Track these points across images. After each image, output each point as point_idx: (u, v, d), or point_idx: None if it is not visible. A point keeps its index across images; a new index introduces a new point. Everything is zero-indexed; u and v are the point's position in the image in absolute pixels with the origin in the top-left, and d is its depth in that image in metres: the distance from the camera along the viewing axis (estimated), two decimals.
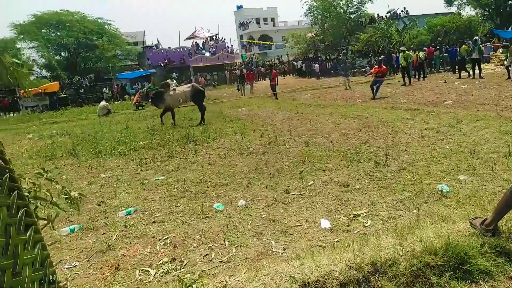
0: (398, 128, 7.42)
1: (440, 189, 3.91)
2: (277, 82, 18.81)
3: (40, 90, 27.85)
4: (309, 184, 4.61)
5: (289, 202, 4.06)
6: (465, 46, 17.23)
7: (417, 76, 18.73)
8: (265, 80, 37.05)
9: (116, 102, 27.84)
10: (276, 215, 3.74)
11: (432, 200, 3.69)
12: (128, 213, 4.14)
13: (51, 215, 2.07)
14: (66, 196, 1.90)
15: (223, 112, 13.75)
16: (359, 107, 11.14)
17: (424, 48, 21.25)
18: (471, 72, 16.33)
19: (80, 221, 4.11)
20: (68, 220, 4.19)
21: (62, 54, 38.26)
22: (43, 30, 35.35)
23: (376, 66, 13.84)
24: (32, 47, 35.67)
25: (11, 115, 26.65)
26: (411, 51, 19.20)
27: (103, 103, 18.81)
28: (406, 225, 3.11)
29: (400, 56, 18.05)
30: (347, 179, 4.65)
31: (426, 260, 2.37)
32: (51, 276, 1.44)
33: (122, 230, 3.71)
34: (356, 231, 3.20)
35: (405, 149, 5.79)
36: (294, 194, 4.31)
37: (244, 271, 2.58)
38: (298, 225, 3.45)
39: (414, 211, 3.46)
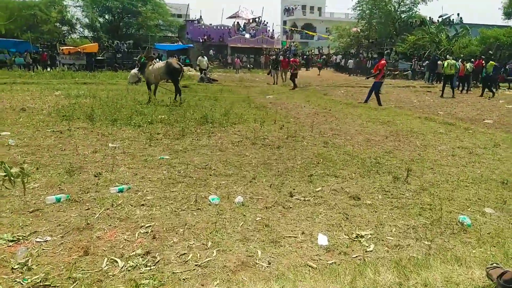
0: (428, 142, 6.86)
1: (460, 221, 3.45)
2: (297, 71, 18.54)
3: (79, 49, 28.39)
4: (316, 189, 4.24)
5: (290, 207, 3.72)
6: (492, 62, 16.14)
7: (460, 88, 17.65)
8: (300, 70, 36.37)
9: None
10: (272, 220, 3.41)
11: (449, 233, 3.25)
12: (120, 191, 3.92)
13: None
14: (5, 174, 1.64)
15: (249, 97, 13.41)
16: (391, 112, 10.52)
17: (472, 60, 19.95)
18: (495, 91, 15.41)
19: (70, 190, 3.93)
20: (59, 188, 4.03)
21: (106, 16, 38.79)
22: None
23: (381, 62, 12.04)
24: (78, 6, 36.35)
25: (48, 69, 27.32)
26: (459, 60, 18.01)
27: (134, 70, 18.80)
28: (412, 259, 2.71)
29: (443, 64, 17.02)
30: (360, 191, 4.25)
31: None
32: None
33: (108, 209, 3.49)
34: (354, 256, 2.83)
35: (431, 167, 5.28)
36: (297, 199, 3.96)
37: (216, 284, 2.28)
38: (292, 236, 3.11)
39: (426, 242, 3.05)
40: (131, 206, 3.58)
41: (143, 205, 3.62)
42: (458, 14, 32.87)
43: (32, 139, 6.20)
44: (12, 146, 5.69)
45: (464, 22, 31.83)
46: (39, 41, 33.64)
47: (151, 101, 10.90)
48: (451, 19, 32.36)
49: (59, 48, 29.44)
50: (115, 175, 4.49)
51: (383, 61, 11.71)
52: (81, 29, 39.33)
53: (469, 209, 3.79)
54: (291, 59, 20.14)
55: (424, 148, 6.37)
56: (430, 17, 33.86)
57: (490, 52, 25.49)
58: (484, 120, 9.68)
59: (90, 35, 38.83)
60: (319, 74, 25.50)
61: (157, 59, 13.10)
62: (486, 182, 4.65)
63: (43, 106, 9.83)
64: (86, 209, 3.50)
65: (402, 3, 34.60)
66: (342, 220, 3.47)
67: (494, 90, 15.94)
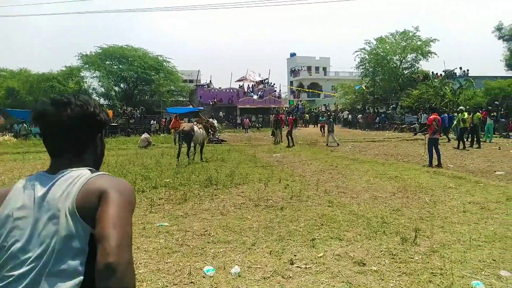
0: (437, 198, 6.62)
1: (474, 287, 3.18)
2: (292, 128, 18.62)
3: None
4: (319, 255, 4.02)
5: (290, 277, 3.50)
6: (478, 113, 16.21)
7: (469, 140, 17.45)
8: (307, 126, 36.82)
9: (162, 135, 28.66)
10: None
11: None
12: None
13: None
14: None
15: (256, 156, 13.44)
16: (399, 167, 10.34)
17: (479, 111, 19.97)
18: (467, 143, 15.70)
19: None
20: None
21: (121, 85, 40.74)
22: (106, 62, 38.05)
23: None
24: (95, 77, 38.36)
25: None
26: (466, 112, 18.04)
27: (145, 135, 19.33)
28: None
29: (458, 116, 17.02)
30: (365, 255, 4.01)
31: None
32: None
33: None
34: None
35: (441, 225, 5.03)
36: (298, 267, 3.74)
37: None
38: None
39: None
40: None
41: None
42: (460, 68, 33.60)
43: None
44: None
45: (469, 75, 32.44)
46: None
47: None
48: (455, 73, 33.03)
49: None
50: None
51: (432, 116, 10.47)
52: (97, 98, 41.18)
53: (483, 273, 3.52)
54: (290, 117, 20.61)
55: (434, 205, 6.13)
56: (432, 72, 34.67)
57: (496, 102, 25.58)
58: (495, 171, 9.40)
59: (105, 103, 40.56)
60: (323, 135, 24.15)
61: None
62: (500, 240, 4.38)
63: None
64: None
65: (404, 60, 35.70)
66: None
67: (473, 142, 16.03)
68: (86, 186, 1.14)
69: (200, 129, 12.56)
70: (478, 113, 17.04)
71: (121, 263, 0.98)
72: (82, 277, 1.05)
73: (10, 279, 1.05)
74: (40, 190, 1.15)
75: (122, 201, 1.12)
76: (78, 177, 1.17)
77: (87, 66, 36.98)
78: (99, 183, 1.15)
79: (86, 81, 38.50)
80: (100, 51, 37.66)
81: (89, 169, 1.22)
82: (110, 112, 32.18)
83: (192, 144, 12.43)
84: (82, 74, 37.91)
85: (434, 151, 10.41)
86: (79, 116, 1.21)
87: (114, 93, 39.58)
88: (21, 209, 1.14)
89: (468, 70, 33.23)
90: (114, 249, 0.99)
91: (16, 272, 1.06)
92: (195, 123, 13.59)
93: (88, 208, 1.10)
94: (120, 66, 38.24)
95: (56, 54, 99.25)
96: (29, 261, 1.06)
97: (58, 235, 1.08)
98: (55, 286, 1.03)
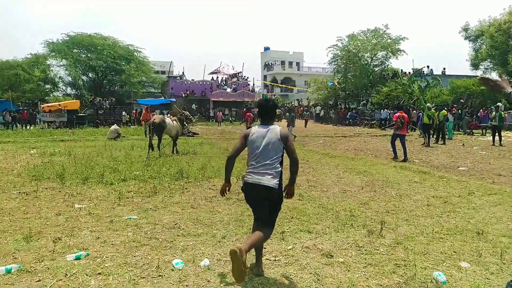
0: (403, 192, 6.83)
1: (435, 278, 3.31)
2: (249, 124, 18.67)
3: (59, 107, 28.41)
4: (288, 248, 4.07)
5: None
6: (444, 111, 16.99)
7: (435, 137, 18.11)
8: (280, 121, 37.03)
9: (132, 127, 28.03)
10: (239, 285, 3.20)
11: None
12: (78, 258, 3.66)
13: None
14: None
15: (228, 150, 13.35)
16: (367, 162, 10.59)
17: (445, 108, 20.74)
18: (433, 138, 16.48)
19: (24, 259, 3.66)
20: (13, 256, 3.75)
21: (90, 75, 39.42)
22: (74, 50, 36.69)
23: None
24: (62, 65, 36.96)
25: (28, 127, 27.06)
26: (433, 109, 18.66)
27: (114, 126, 18.85)
28: None
29: (424, 114, 17.51)
30: (333, 247, 4.09)
31: None
32: None
33: (60, 279, 3.23)
34: None
35: (406, 218, 5.20)
36: (268, 259, 3.76)
37: None
38: None
39: None
40: (86, 275, 3.32)
41: (99, 273, 3.36)
42: (428, 67, 34.72)
43: None
44: None
45: (434, 73, 33.61)
46: (20, 100, 33.66)
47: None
48: (422, 71, 34.12)
49: (40, 106, 29.43)
50: (76, 239, 4.24)
51: (397, 114, 11.04)
52: (64, 87, 39.72)
53: (444, 264, 3.67)
54: (247, 113, 20.97)
55: (399, 198, 6.33)
56: (402, 70, 35.65)
57: (462, 101, 26.66)
58: (458, 167, 9.81)
59: (73, 92, 39.17)
60: (306, 126, 26.53)
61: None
62: (461, 233, 4.57)
63: (15, 166, 9.55)
64: (36, 281, 3.22)
65: (374, 58, 36.51)
66: (313, 282, 3.28)
67: (439, 139, 16.76)
68: (279, 130, 3.38)
69: (174, 121, 12.38)
70: (443, 111, 17.70)
71: (297, 158, 3.37)
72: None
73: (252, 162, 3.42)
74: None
75: (290, 138, 3.45)
76: (276, 127, 3.40)
77: (54, 54, 35.56)
78: (280, 129, 3.40)
79: (52, 70, 37.10)
80: (68, 38, 36.27)
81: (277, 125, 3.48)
82: (77, 102, 31.18)
83: (164, 136, 12.24)
84: (48, 62, 36.49)
85: (400, 145, 10.81)
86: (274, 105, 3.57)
87: (82, 83, 38.33)
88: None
89: (432, 70, 34.38)
90: (293, 152, 3.34)
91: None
92: (169, 115, 13.40)
93: (283, 138, 3.34)
94: (89, 55, 37.02)
95: (21, 40, 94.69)
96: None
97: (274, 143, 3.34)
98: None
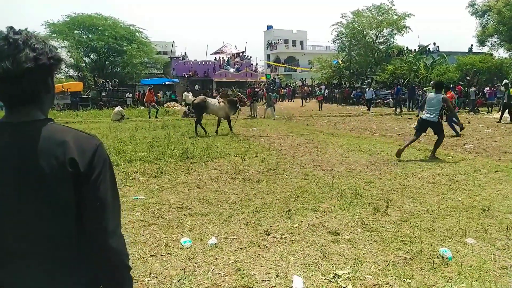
0: (409, 170, 6.82)
1: (441, 254, 3.33)
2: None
3: (63, 89, 28.35)
4: (294, 226, 4.10)
5: (266, 247, 3.56)
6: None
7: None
8: (285, 101, 36.80)
9: (137, 108, 27.96)
10: (246, 262, 3.25)
11: (430, 268, 3.12)
12: None
13: None
14: None
15: (232, 130, 13.36)
16: (372, 140, 10.56)
17: (452, 86, 20.48)
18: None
19: None
20: None
21: (91, 56, 39.09)
22: (75, 31, 36.28)
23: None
24: (63, 47, 36.53)
25: None
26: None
27: (118, 108, 18.83)
28: None
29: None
30: (338, 225, 4.12)
31: None
32: None
33: None
34: None
35: (411, 196, 5.21)
36: (274, 237, 3.81)
37: None
38: (265, 280, 2.94)
39: (406, 280, 2.91)
40: None
41: None
42: (434, 43, 34.14)
43: None
44: None
45: (440, 50, 33.05)
46: None
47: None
48: (428, 48, 33.55)
49: None
50: None
51: (448, 94, 11.49)
52: (66, 69, 39.48)
53: (450, 240, 3.69)
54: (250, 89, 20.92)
55: (405, 176, 6.33)
56: (407, 47, 35.07)
57: (467, 78, 26.31)
58: (464, 145, 9.76)
59: (75, 74, 38.97)
60: (320, 108, 25.16)
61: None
62: (467, 210, 4.58)
63: None
64: None
65: (379, 35, 35.87)
66: (319, 259, 3.32)
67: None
68: None
69: (222, 103, 12.56)
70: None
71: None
72: None
73: None
74: None
75: None
76: None
77: (55, 35, 35.14)
78: None
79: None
80: (68, 20, 35.79)
81: None
82: (80, 84, 31.05)
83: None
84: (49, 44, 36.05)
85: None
86: None
87: (84, 64, 38.03)
88: None
89: (438, 46, 33.80)
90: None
91: None
92: (218, 98, 13.65)
93: None
94: (90, 36, 36.57)
95: (21, 21, 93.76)
96: None
97: None
98: None
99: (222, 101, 12.71)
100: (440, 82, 8.89)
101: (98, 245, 1.10)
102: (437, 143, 7.90)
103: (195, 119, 12.62)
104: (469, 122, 15.63)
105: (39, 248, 1.08)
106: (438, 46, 33.90)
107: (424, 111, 8.06)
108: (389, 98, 27.33)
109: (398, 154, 7.74)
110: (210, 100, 12.92)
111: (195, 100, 13.00)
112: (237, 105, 13.03)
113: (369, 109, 23.65)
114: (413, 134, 8.15)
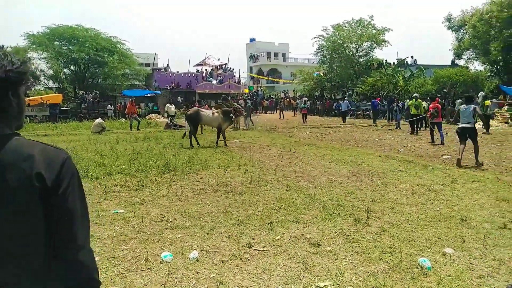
0: (389, 181, 6.94)
1: (420, 264, 3.38)
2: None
3: (41, 100, 27.79)
4: (277, 238, 4.10)
5: (248, 260, 3.54)
6: (412, 101, 16.90)
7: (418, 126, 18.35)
8: (267, 113, 37.02)
9: (118, 120, 27.58)
10: (228, 275, 3.21)
11: (410, 278, 3.16)
12: None
13: None
14: None
15: (217, 144, 13.32)
16: (354, 152, 10.70)
17: (429, 98, 21.00)
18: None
19: None
20: None
21: (72, 67, 38.52)
22: (55, 43, 35.77)
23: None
24: (42, 58, 35.98)
25: None
26: (420, 100, 18.85)
27: (98, 120, 18.53)
28: None
29: (410, 103, 17.57)
30: (320, 236, 4.14)
31: None
32: None
33: None
34: None
35: (391, 207, 5.28)
36: (256, 249, 3.79)
37: None
38: None
39: None
40: None
41: None
42: (412, 57, 35.15)
43: None
44: None
45: (420, 63, 34.03)
46: None
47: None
48: (406, 62, 34.49)
49: None
50: None
51: (431, 105, 13.21)
52: (46, 81, 38.81)
53: (429, 250, 3.75)
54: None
55: (385, 187, 6.42)
56: (386, 60, 35.99)
57: (445, 90, 27.08)
58: (442, 156, 10.00)
59: (55, 86, 38.29)
60: (305, 122, 23.69)
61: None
62: (445, 220, 4.67)
63: None
64: None
65: (359, 48, 36.69)
66: (301, 271, 3.32)
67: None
68: None
69: (216, 113, 12.53)
70: (425, 102, 17.89)
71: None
72: None
73: None
74: None
75: None
76: None
77: (34, 46, 34.59)
78: None
79: (33, 63, 36.04)
80: (48, 31, 35.28)
81: None
82: (59, 96, 30.50)
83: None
84: (29, 55, 35.41)
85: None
86: None
87: (64, 76, 37.46)
88: None
89: (415, 60, 34.81)
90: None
91: None
92: (213, 109, 13.65)
93: None
94: (70, 47, 36.07)
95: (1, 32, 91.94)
96: None
97: None
98: None
99: (217, 112, 12.68)
100: (470, 96, 9.81)
101: (66, 258, 1.09)
102: (476, 149, 8.57)
103: (188, 131, 12.62)
104: (446, 133, 16.03)
105: (5, 262, 1.06)
106: (416, 60, 34.92)
107: (460, 121, 9.01)
108: (369, 110, 27.83)
109: (459, 164, 8.28)
110: (203, 111, 13.08)
111: (188, 111, 13.09)
112: (231, 115, 13.01)
113: (344, 121, 23.99)
114: (460, 143, 8.86)
